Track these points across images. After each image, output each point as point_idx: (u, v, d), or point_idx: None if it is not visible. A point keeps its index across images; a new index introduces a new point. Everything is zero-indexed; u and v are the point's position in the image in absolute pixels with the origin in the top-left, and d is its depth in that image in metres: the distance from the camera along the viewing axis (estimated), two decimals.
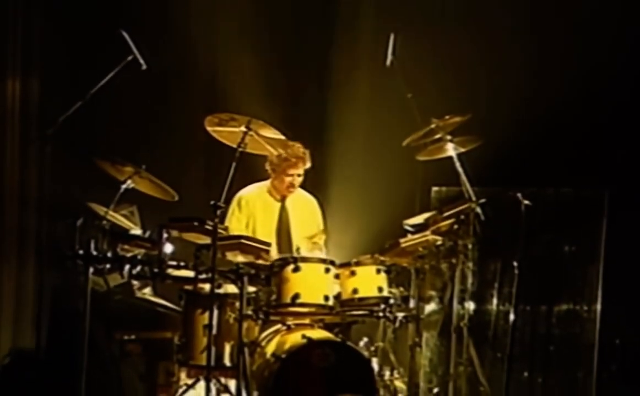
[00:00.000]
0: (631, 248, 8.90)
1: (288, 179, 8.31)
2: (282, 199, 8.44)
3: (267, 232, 8.27)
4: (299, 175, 8.33)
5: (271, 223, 8.38)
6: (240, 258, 7.44)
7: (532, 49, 9.19)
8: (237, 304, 7.28)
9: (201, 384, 7.25)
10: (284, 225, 8.40)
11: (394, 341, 7.83)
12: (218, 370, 7.33)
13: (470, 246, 7.59)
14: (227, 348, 7.36)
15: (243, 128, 7.34)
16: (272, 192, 8.44)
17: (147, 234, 7.41)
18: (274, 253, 8.08)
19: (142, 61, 7.69)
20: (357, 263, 7.59)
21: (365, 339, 7.86)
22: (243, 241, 7.49)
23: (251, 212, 8.36)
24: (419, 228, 7.70)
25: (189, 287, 7.46)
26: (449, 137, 7.70)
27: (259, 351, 7.56)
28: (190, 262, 7.27)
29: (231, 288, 7.41)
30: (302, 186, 8.48)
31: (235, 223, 8.28)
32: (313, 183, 8.66)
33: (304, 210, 8.50)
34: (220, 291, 7.35)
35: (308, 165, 8.35)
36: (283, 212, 8.43)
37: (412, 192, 9.15)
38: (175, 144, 9.23)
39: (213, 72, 9.37)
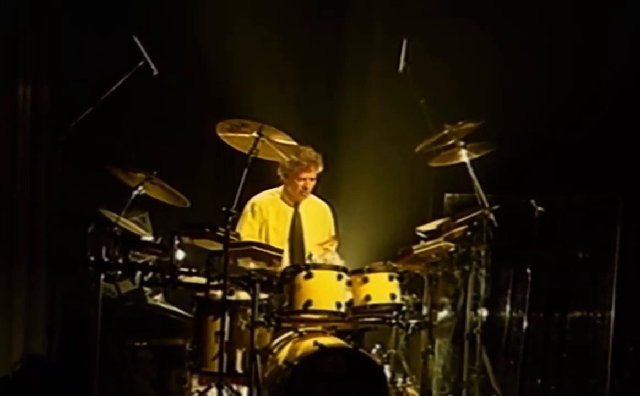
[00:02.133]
0: None
1: (301, 183, 8.29)
2: (295, 205, 8.42)
3: (280, 239, 8.30)
4: (311, 179, 8.31)
5: (284, 229, 8.38)
6: (252, 265, 7.48)
7: (546, 55, 9.20)
8: (249, 311, 7.30)
9: (213, 391, 7.28)
10: (297, 231, 8.39)
11: (407, 348, 7.83)
12: (230, 377, 7.34)
13: (483, 253, 7.63)
14: (239, 355, 7.38)
15: (255, 134, 7.40)
16: (285, 197, 8.42)
17: (159, 240, 7.46)
18: (286, 260, 8.15)
19: (153, 67, 7.77)
20: (370, 270, 7.61)
21: (378, 346, 7.85)
22: (255, 247, 7.54)
23: (264, 218, 8.36)
24: (432, 234, 7.72)
25: (200, 294, 7.45)
26: (462, 143, 7.76)
27: (270, 358, 7.56)
28: (202, 268, 7.30)
29: (243, 295, 7.43)
30: (314, 192, 8.48)
31: (248, 230, 8.29)
32: (325, 190, 8.65)
33: (317, 216, 8.50)
34: (232, 298, 7.36)
35: (320, 169, 8.33)
36: (296, 217, 8.41)
37: (425, 199, 9.17)
38: (186, 150, 9.23)
39: (225, 77, 9.31)
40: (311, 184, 8.36)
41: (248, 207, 8.35)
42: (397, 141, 9.12)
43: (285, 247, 8.28)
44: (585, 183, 8.88)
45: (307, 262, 7.67)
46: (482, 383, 7.74)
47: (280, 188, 8.49)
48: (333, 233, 8.54)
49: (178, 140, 9.25)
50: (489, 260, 7.85)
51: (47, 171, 8.77)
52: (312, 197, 8.52)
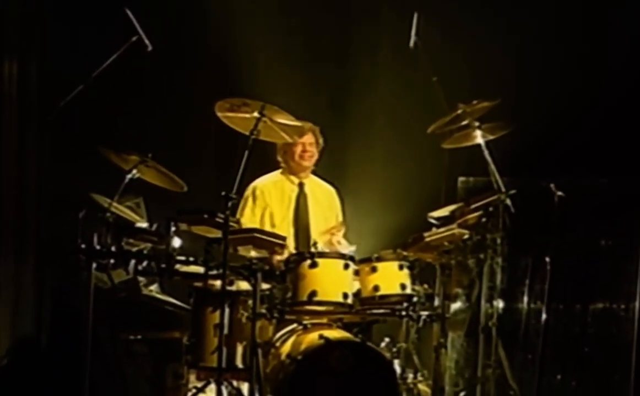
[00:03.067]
0: None
1: (299, 148, 8.30)
2: (300, 185, 8.42)
3: (285, 224, 8.32)
4: (310, 145, 8.34)
5: (288, 212, 8.38)
6: (254, 253, 7.39)
7: (567, 28, 9.14)
8: (250, 302, 7.25)
9: (212, 387, 7.25)
10: (302, 212, 8.40)
11: (418, 342, 7.82)
12: (230, 373, 7.30)
13: (499, 240, 7.51)
14: (240, 349, 7.34)
15: (256, 114, 7.31)
16: (288, 177, 8.44)
17: (154, 227, 7.40)
18: (291, 243, 8.13)
19: (147, 42, 7.67)
20: (378, 259, 7.55)
21: (387, 340, 7.85)
22: (256, 235, 7.45)
23: (267, 203, 8.34)
24: (445, 221, 7.67)
25: (198, 284, 7.41)
26: (476, 124, 7.65)
27: (273, 353, 7.53)
28: (200, 257, 7.25)
29: (244, 285, 7.38)
30: (319, 175, 8.49)
31: (249, 215, 8.26)
32: (330, 172, 8.64)
33: (323, 198, 8.50)
34: (232, 288, 7.32)
35: (320, 141, 8.39)
36: (301, 197, 8.42)
37: (437, 183, 8.91)
38: (184, 131, 9.19)
39: (225, 54, 9.29)
40: (311, 149, 8.36)
41: (249, 191, 8.33)
42: (407, 122, 9.12)
43: (290, 231, 8.30)
44: (609, 167, 8.72)
45: (312, 249, 7.59)
46: (497, 379, 7.64)
47: (280, 170, 8.50)
48: (340, 218, 8.50)
49: (175, 120, 9.19)
50: (506, 248, 7.71)
51: (35, 153, 8.63)
52: (318, 180, 8.52)
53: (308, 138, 8.31)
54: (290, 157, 8.37)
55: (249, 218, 8.22)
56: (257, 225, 8.11)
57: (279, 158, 8.43)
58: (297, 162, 8.37)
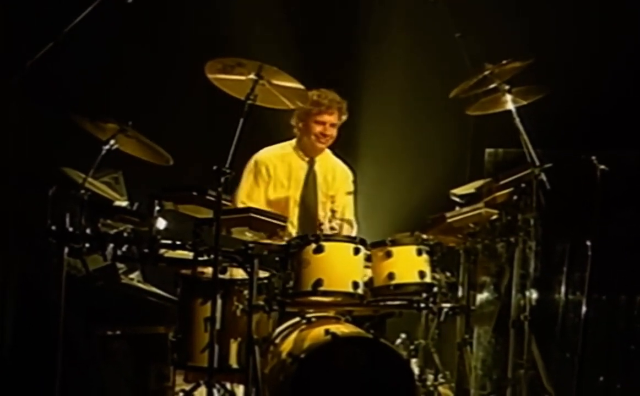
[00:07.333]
0: None
1: (318, 128, 8.30)
2: (310, 161, 8.43)
3: (290, 204, 8.36)
4: (332, 125, 8.33)
5: (295, 192, 8.43)
6: (250, 236, 7.30)
7: None
8: (246, 292, 7.19)
9: (202, 390, 7.21)
10: (310, 194, 8.42)
11: (439, 338, 7.78)
12: (222, 373, 7.25)
13: (532, 221, 7.43)
14: (234, 347, 7.28)
15: (252, 76, 7.20)
16: (298, 151, 8.45)
17: (135, 206, 7.34)
18: (295, 226, 8.25)
19: None
20: (394, 242, 7.43)
21: (403, 336, 7.87)
22: (253, 215, 7.33)
23: (271, 176, 8.40)
24: (470, 199, 7.64)
25: (186, 272, 7.40)
26: (506, 87, 7.57)
27: (272, 351, 7.49)
28: (188, 240, 7.16)
29: (238, 273, 7.32)
30: (335, 152, 8.50)
31: (247, 191, 8.31)
32: (340, 145, 8.58)
33: (333, 180, 8.50)
34: (225, 276, 7.25)
35: (344, 117, 8.37)
36: (310, 176, 8.43)
37: (462, 155, 9.19)
38: (169, 96, 9.20)
39: (217, 7, 9.30)
40: (331, 131, 8.36)
41: (251, 163, 8.40)
42: (426, 85, 9.15)
43: (295, 213, 8.39)
44: None
45: (318, 232, 7.52)
46: (531, 380, 7.56)
47: (293, 142, 8.51)
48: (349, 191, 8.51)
49: (159, 83, 9.19)
50: (540, 231, 7.62)
51: None
52: (332, 156, 8.53)
53: (332, 118, 8.30)
54: (305, 132, 8.37)
55: (246, 193, 8.30)
56: (259, 205, 8.11)
57: (293, 123, 8.40)
58: (312, 142, 8.36)
